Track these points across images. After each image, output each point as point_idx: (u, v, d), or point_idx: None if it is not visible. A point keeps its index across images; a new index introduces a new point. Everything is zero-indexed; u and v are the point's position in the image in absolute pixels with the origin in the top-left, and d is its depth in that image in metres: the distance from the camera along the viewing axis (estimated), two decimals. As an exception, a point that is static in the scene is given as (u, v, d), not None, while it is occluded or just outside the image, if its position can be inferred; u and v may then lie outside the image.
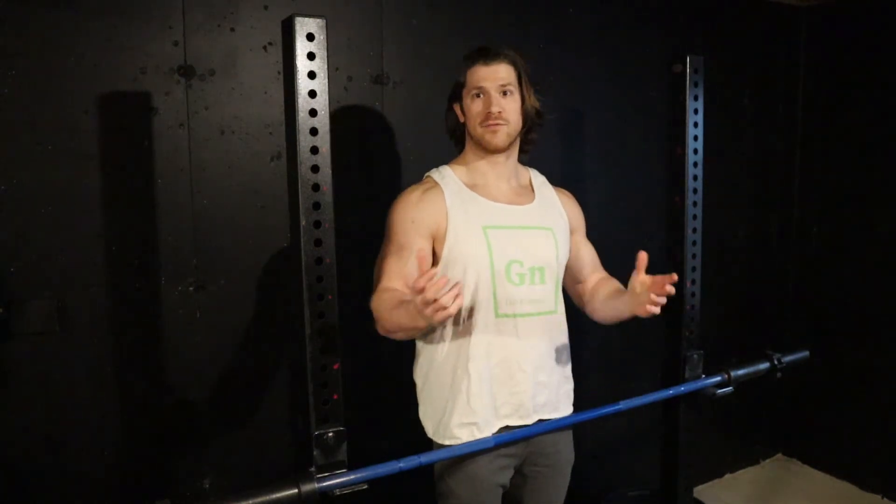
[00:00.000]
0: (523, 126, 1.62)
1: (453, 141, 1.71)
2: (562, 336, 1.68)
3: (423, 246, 1.54)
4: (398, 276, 1.53)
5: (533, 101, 1.62)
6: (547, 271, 1.61)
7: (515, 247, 1.57)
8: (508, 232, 1.58)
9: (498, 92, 1.56)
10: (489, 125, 1.55)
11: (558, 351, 1.67)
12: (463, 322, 1.55)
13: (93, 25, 1.72)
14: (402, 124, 2.16)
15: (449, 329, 1.57)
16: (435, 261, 1.56)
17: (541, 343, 1.61)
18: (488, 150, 1.60)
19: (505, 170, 1.64)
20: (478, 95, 1.57)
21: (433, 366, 1.60)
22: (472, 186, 1.61)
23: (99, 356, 1.79)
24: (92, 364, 1.78)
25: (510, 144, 1.61)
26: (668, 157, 2.03)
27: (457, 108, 1.65)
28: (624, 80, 2.66)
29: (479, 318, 1.55)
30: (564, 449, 1.72)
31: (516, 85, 1.58)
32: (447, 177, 1.62)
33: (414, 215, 1.55)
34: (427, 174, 1.67)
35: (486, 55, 1.57)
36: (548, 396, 1.63)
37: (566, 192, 1.79)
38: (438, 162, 1.68)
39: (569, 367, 1.71)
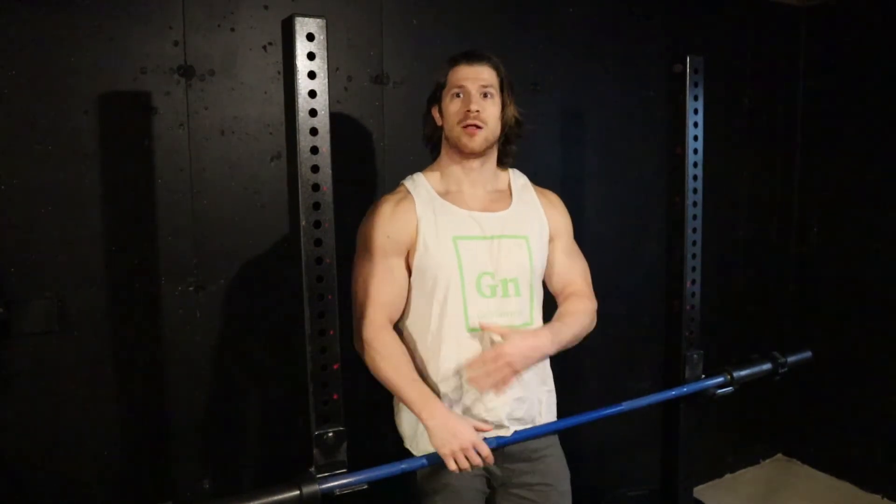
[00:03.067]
0: (501, 132, 1.58)
1: (429, 147, 1.66)
2: None
3: (401, 266, 1.53)
4: (384, 305, 1.51)
5: (513, 111, 1.59)
6: (521, 282, 1.56)
7: (486, 258, 1.53)
8: (479, 242, 1.54)
9: (479, 93, 1.52)
10: (467, 126, 1.51)
11: (536, 364, 1.59)
12: (433, 336, 1.52)
13: (93, 25, 1.72)
14: (402, 124, 2.16)
15: (419, 343, 1.54)
16: (408, 272, 1.54)
17: None
18: (463, 154, 1.55)
19: (480, 176, 1.59)
20: (458, 95, 1.53)
21: None
22: (445, 194, 1.57)
23: (99, 356, 1.79)
24: (92, 364, 1.78)
25: (486, 149, 1.56)
26: (668, 157, 2.03)
27: (435, 111, 1.61)
28: (624, 80, 2.66)
29: (450, 333, 1.51)
30: (555, 462, 1.65)
31: (497, 89, 1.55)
32: (419, 185, 1.58)
33: (389, 230, 1.52)
34: (402, 182, 1.63)
35: (470, 57, 1.55)
36: (526, 410, 1.58)
37: (550, 196, 1.71)
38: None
39: (550, 378, 1.66)
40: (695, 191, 1.99)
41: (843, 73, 3.08)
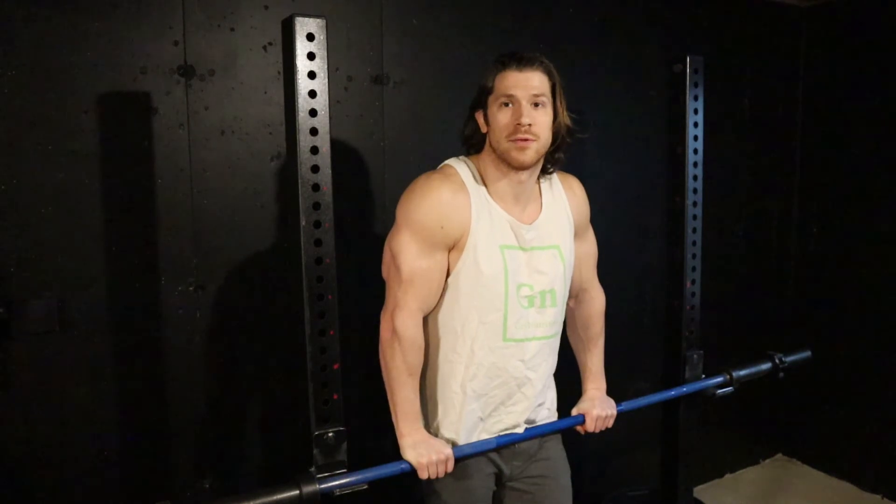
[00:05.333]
0: (553, 143, 1.49)
1: (465, 147, 1.57)
2: (556, 354, 1.65)
3: (445, 259, 1.47)
4: (423, 298, 1.46)
5: (566, 118, 1.50)
6: (557, 293, 1.55)
7: (526, 269, 1.50)
8: (520, 253, 1.50)
9: (529, 102, 1.42)
10: (517, 140, 1.41)
11: (552, 370, 1.64)
12: (465, 341, 1.50)
13: (93, 25, 1.72)
14: (402, 124, 2.16)
15: (444, 342, 1.53)
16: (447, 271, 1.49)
17: (544, 366, 1.58)
18: (512, 167, 1.46)
19: (526, 188, 1.51)
20: (506, 104, 1.43)
21: (432, 372, 1.56)
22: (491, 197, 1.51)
23: (99, 356, 1.79)
24: (92, 364, 1.78)
25: (537, 161, 1.49)
26: (668, 157, 2.03)
27: (479, 116, 1.51)
28: (624, 80, 2.66)
29: (486, 340, 1.49)
30: (556, 456, 1.68)
31: (549, 97, 1.45)
32: (475, 178, 1.49)
33: (443, 221, 1.43)
34: (448, 163, 1.54)
35: (520, 61, 1.44)
36: (541, 414, 1.63)
37: (572, 183, 1.65)
38: (438, 162, 1.60)
39: (552, 378, 1.69)
40: (695, 191, 1.99)
41: (843, 73, 3.08)
